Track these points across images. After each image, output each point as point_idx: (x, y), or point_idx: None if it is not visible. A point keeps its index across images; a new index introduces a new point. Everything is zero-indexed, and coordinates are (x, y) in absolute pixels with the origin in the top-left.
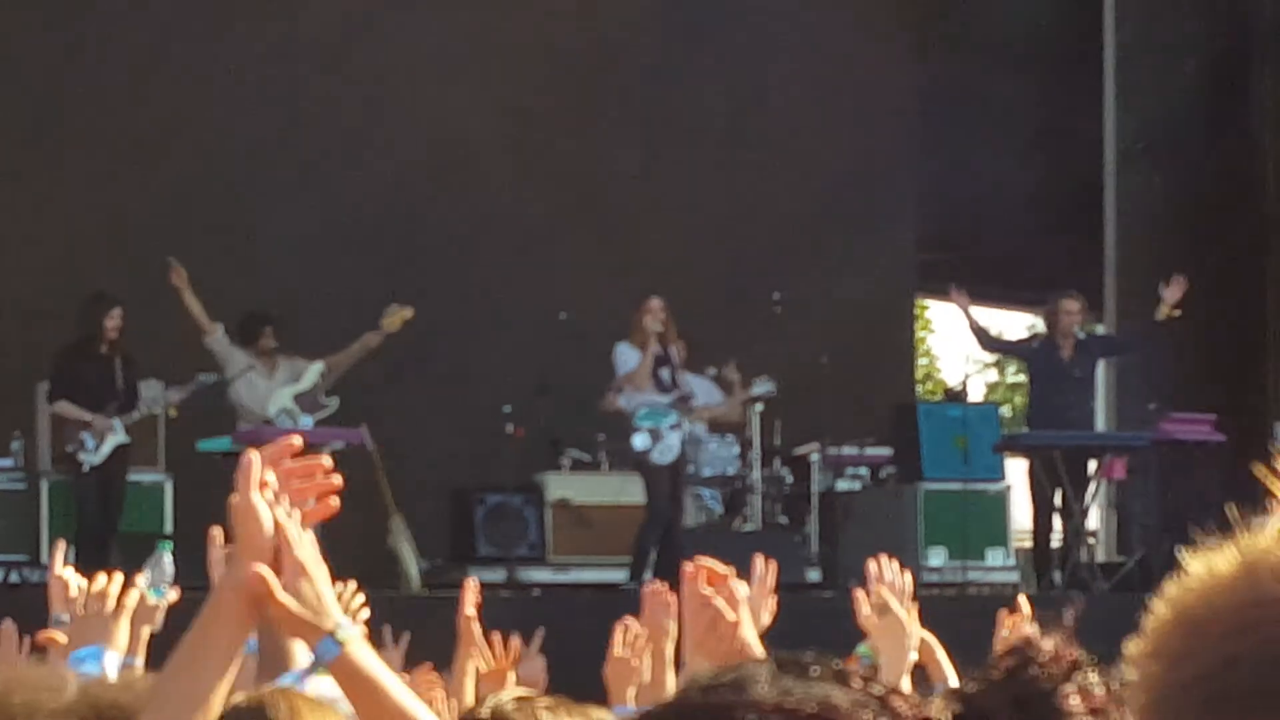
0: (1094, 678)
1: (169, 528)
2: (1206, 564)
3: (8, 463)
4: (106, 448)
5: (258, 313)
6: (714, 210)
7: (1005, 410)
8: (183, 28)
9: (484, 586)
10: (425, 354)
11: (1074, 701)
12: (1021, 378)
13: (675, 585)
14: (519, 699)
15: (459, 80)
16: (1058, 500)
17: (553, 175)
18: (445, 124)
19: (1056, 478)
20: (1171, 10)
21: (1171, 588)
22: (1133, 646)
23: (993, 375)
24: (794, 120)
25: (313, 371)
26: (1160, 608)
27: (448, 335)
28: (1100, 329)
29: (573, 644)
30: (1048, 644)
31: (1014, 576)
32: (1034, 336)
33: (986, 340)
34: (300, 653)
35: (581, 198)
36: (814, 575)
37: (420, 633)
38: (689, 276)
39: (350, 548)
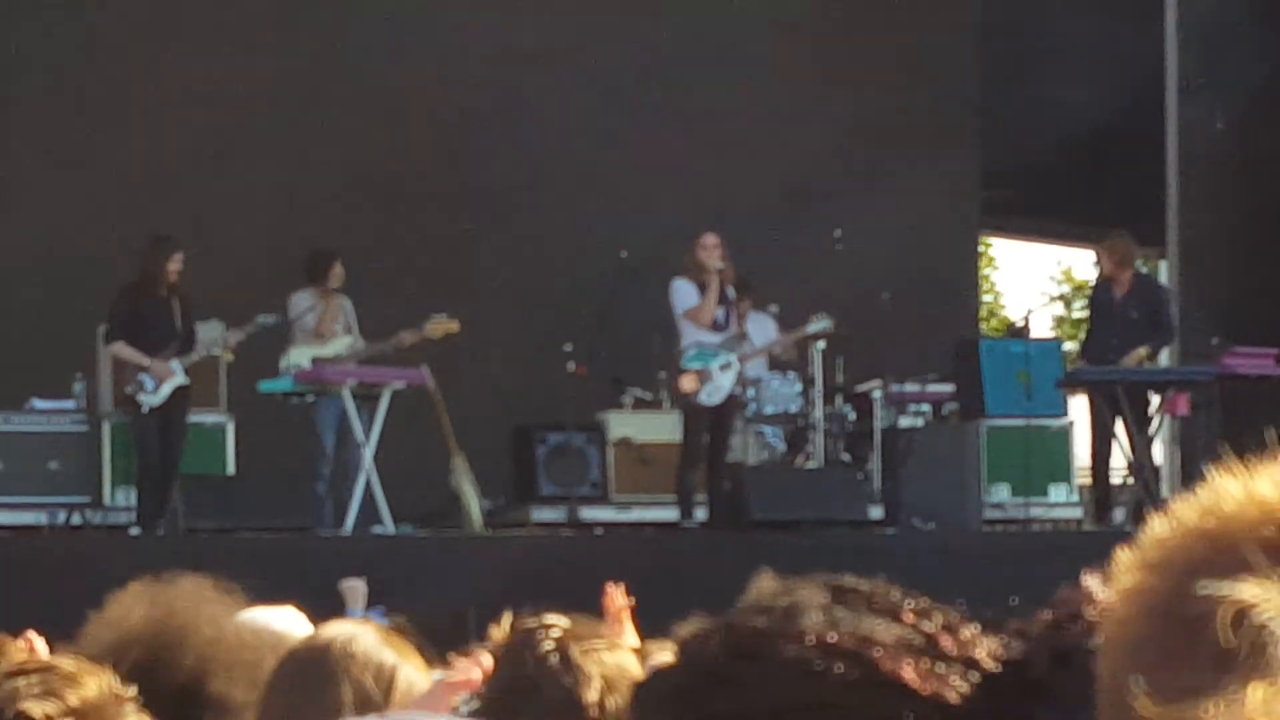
0: None
1: (230, 468)
2: (1242, 482)
3: (69, 404)
4: (166, 389)
5: (325, 249)
6: (774, 147)
7: (1070, 346)
8: None
9: (545, 525)
10: (485, 293)
11: None
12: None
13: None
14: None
15: (513, 12)
16: (1121, 436)
17: (610, 112)
18: (500, 61)
19: (1119, 413)
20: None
21: (1186, 502)
22: (1129, 554)
23: (1058, 310)
24: (854, 56)
25: (340, 343)
26: (1172, 519)
27: (508, 274)
28: (1164, 270)
29: (635, 581)
30: (1100, 598)
31: (1077, 513)
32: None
33: None
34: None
35: (641, 134)
36: (876, 512)
37: (482, 572)
38: (750, 214)
39: (413, 488)
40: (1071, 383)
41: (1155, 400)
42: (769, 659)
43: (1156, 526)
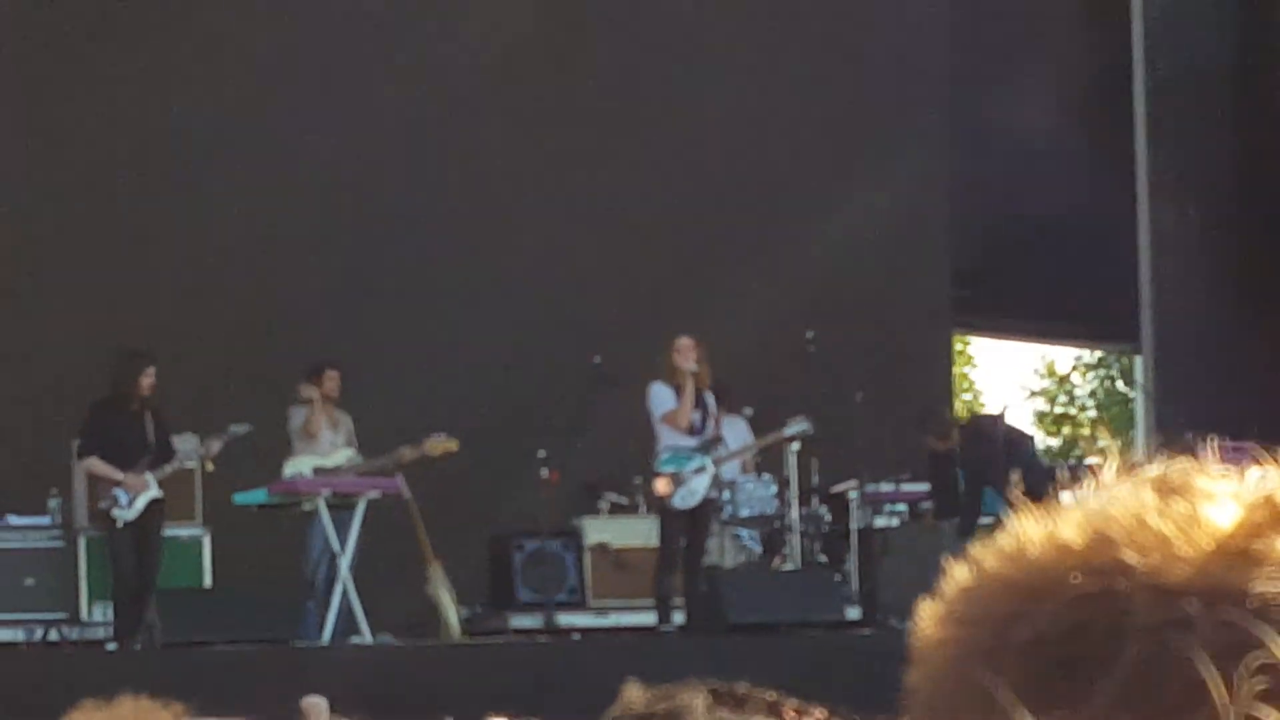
0: None
1: (208, 581)
2: (1044, 525)
3: (45, 520)
4: (141, 502)
5: (322, 358)
6: (747, 251)
7: (1054, 441)
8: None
9: (523, 632)
10: (460, 401)
11: None
12: (1070, 409)
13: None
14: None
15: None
16: None
17: (582, 217)
18: (466, 161)
19: None
20: (1201, 41)
21: (985, 551)
22: (930, 606)
23: (1040, 405)
24: (824, 157)
25: (341, 455)
26: (972, 568)
27: (482, 381)
28: (1138, 365)
29: (614, 687)
30: None
31: None
32: None
33: None
34: None
35: (612, 237)
36: (854, 613)
37: (461, 680)
38: (722, 316)
39: (390, 597)
40: (1054, 478)
41: None
42: None
43: (958, 575)
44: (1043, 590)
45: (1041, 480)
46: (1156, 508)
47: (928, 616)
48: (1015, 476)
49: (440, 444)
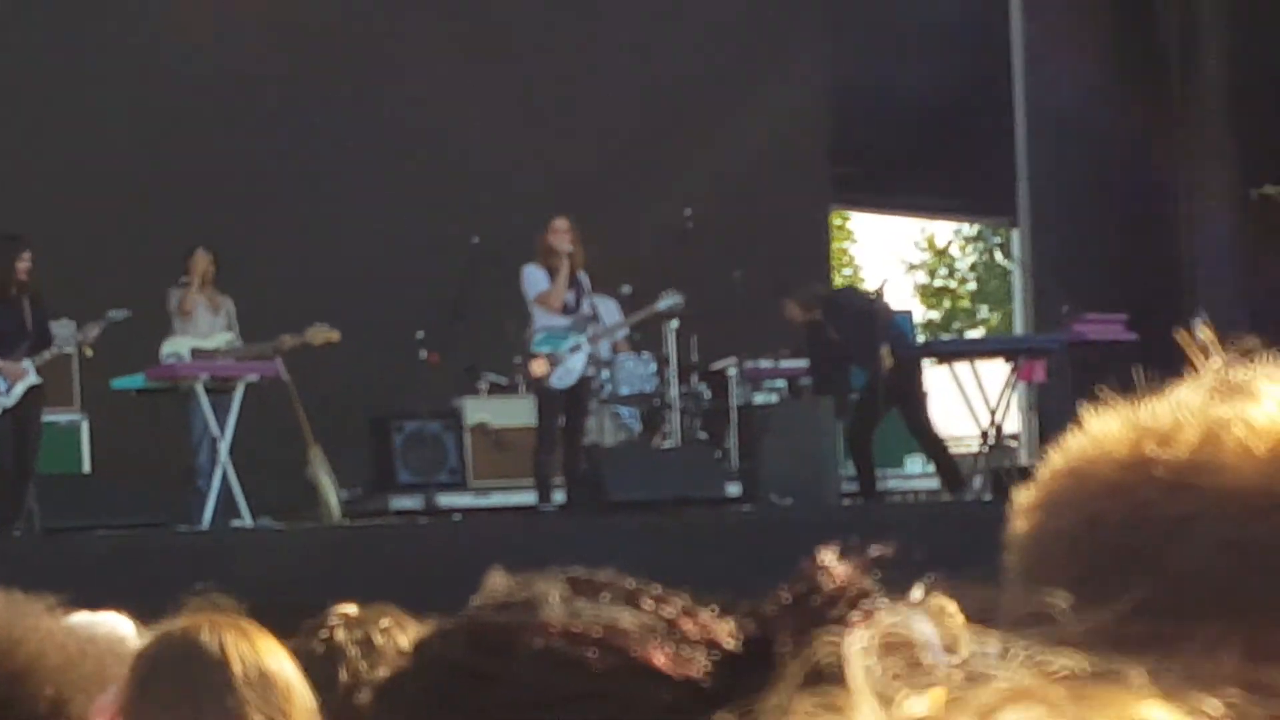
0: (881, 608)
1: (86, 467)
2: (1104, 421)
3: None
4: (19, 389)
5: (197, 240)
6: (622, 129)
7: (934, 314)
8: None
9: (404, 513)
10: (339, 283)
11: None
12: (950, 282)
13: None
14: (350, 618)
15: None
16: (977, 405)
17: (461, 97)
18: (342, 42)
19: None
20: None
21: (1069, 439)
22: (1021, 494)
23: (921, 278)
24: (700, 32)
25: (220, 339)
26: (1054, 458)
27: (360, 263)
28: (1015, 239)
29: (494, 566)
30: (837, 572)
31: (934, 484)
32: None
33: None
34: None
35: (489, 119)
36: (734, 490)
37: (341, 562)
38: (599, 196)
39: (270, 480)
40: (923, 353)
41: (1008, 368)
42: (517, 653)
43: (1051, 460)
44: (1084, 481)
45: (911, 355)
46: (1201, 411)
47: (1020, 499)
48: (884, 350)
49: (322, 333)
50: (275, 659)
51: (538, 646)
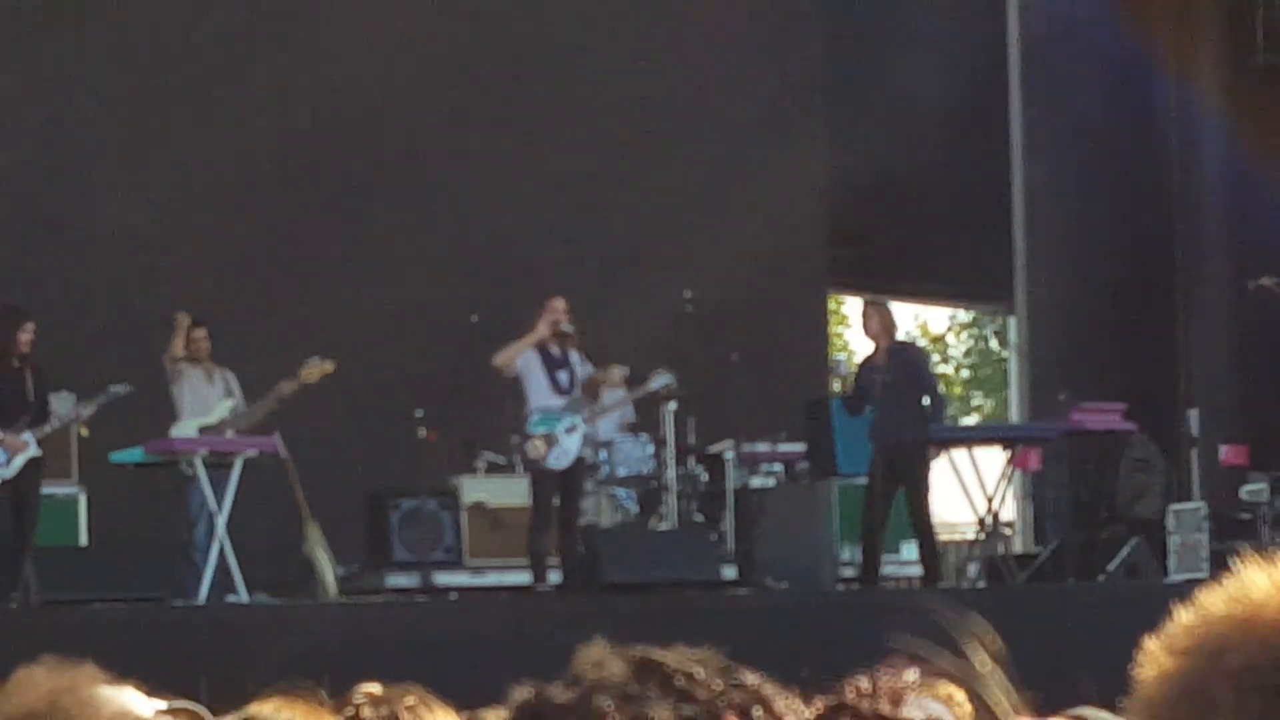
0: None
1: (84, 540)
2: (1267, 572)
3: None
4: (19, 461)
5: (194, 316)
6: (623, 210)
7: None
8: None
9: (400, 591)
10: (338, 359)
11: None
12: (945, 369)
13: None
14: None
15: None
16: (974, 494)
17: (462, 175)
18: (349, 116)
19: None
20: (1074, 1)
21: (1211, 592)
22: (1158, 641)
23: None
24: (700, 114)
25: (223, 407)
26: (1197, 608)
27: (359, 340)
28: (1012, 327)
29: (490, 645)
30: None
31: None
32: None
33: None
34: None
35: (489, 197)
36: (730, 572)
37: (337, 639)
38: (597, 277)
39: (266, 556)
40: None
41: (1004, 456)
42: None
43: (1183, 615)
44: (1259, 625)
45: (925, 439)
46: None
47: (1150, 651)
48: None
49: (316, 368)
50: None
51: None
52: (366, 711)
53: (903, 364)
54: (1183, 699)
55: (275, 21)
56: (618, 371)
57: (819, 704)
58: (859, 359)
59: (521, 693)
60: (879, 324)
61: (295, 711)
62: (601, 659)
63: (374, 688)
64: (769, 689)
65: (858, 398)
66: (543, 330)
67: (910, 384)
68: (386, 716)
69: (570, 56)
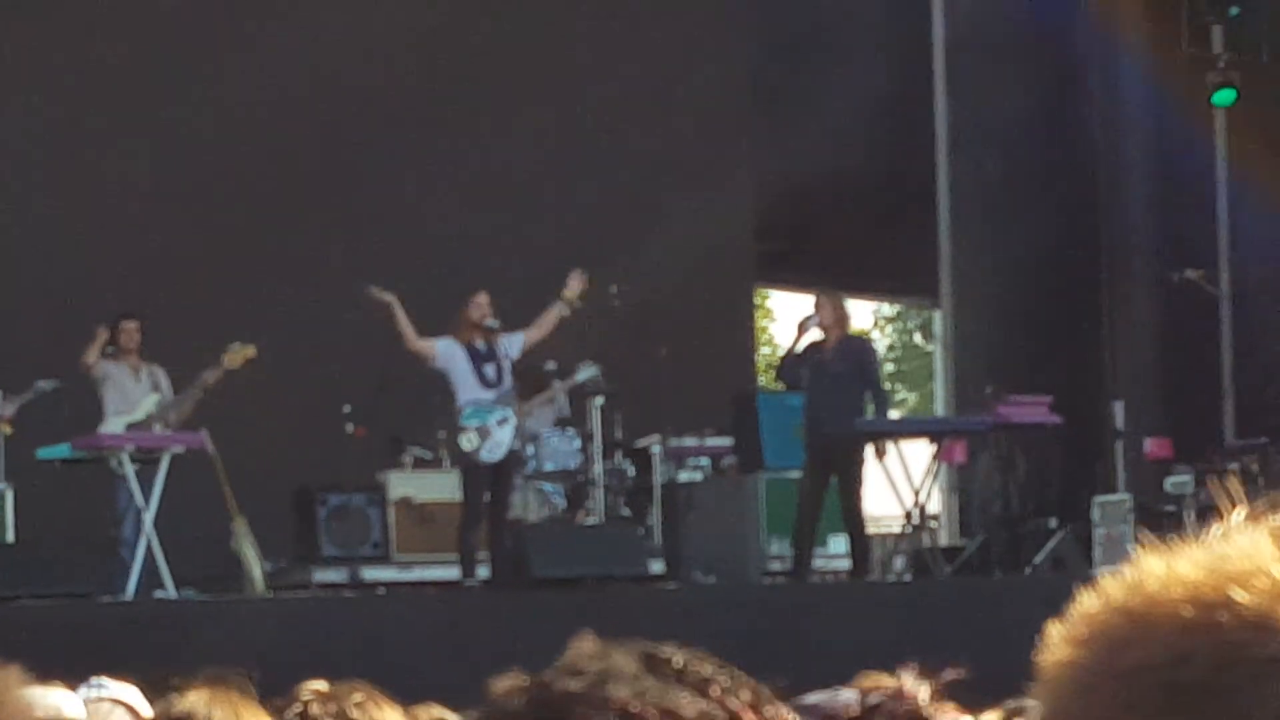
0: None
1: (10, 536)
2: (1165, 562)
3: None
4: None
5: (122, 309)
6: (549, 203)
7: (865, 398)
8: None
9: (328, 586)
10: (264, 355)
11: None
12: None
13: (515, 584)
14: (323, 694)
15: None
16: (901, 486)
17: (384, 169)
18: (273, 111)
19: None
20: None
21: (1113, 578)
22: (1058, 629)
23: None
24: (628, 111)
25: (149, 402)
26: (1099, 595)
27: (286, 336)
28: (937, 320)
29: (419, 641)
30: (910, 693)
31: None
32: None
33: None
34: None
35: (413, 190)
36: (658, 567)
37: (265, 634)
38: (525, 272)
39: (194, 552)
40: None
41: (931, 449)
42: None
43: (1086, 601)
44: (1155, 619)
45: (859, 431)
46: (1273, 556)
47: (1054, 636)
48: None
49: (239, 353)
50: None
51: None
52: (315, 708)
53: (851, 357)
54: (1080, 691)
55: (203, 18)
56: (576, 283)
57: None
58: (806, 343)
59: (513, 682)
60: (832, 314)
61: (226, 705)
62: (602, 651)
63: (321, 685)
64: (763, 689)
65: (794, 370)
66: (479, 325)
67: (855, 378)
68: (335, 713)
69: (502, 55)
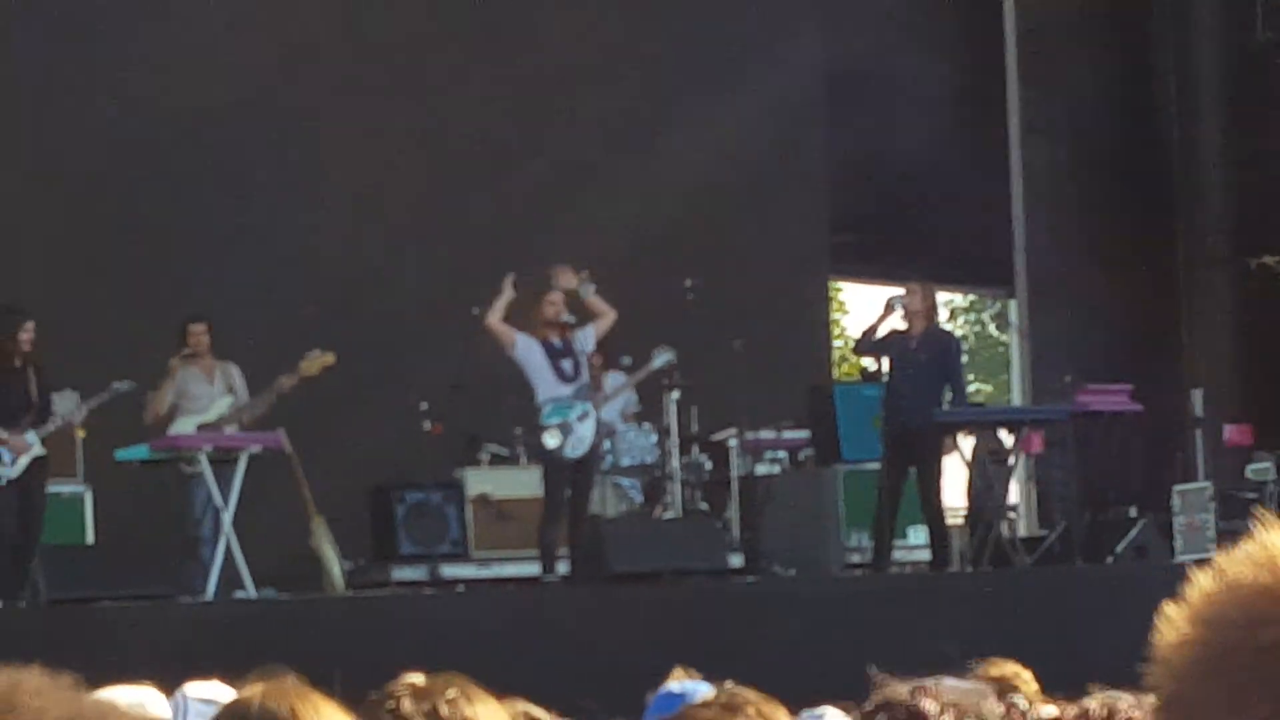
0: None
1: (90, 538)
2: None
3: None
4: (23, 461)
5: (190, 313)
6: (625, 198)
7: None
8: (119, 20)
9: (406, 584)
10: (340, 354)
11: None
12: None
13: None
14: (417, 689)
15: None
16: (977, 477)
17: (462, 170)
18: (359, 123)
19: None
20: None
21: (1232, 557)
22: (1180, 608)
23: None
24: (703, 103)
25: (222, 404)
26: (1218, 574)
27: (363, 334)
28: (1013, 309)
29: (499, 637)
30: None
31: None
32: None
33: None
34: None
35: (490, 190)
36: (736, 561)
37: (345, 633)
38: (600, 266)
39: (272, 552)
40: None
41: (1010, 439)
42: None
43: (1204, 580)
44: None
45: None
46: None
47: (1172, 618)
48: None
49: (316, 360)
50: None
51: None
52: (407, 704)
53: (935, 348)
54: (1212, 672)
55: None
56: (575, 279)
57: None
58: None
59: None
60: (922, 302)
61: (303, 700)
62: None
63: (416, 678)
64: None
65: (873, 349)
66: (508, 292)
67: (937, 370)
68: (428, 712)
69: (582, 45)
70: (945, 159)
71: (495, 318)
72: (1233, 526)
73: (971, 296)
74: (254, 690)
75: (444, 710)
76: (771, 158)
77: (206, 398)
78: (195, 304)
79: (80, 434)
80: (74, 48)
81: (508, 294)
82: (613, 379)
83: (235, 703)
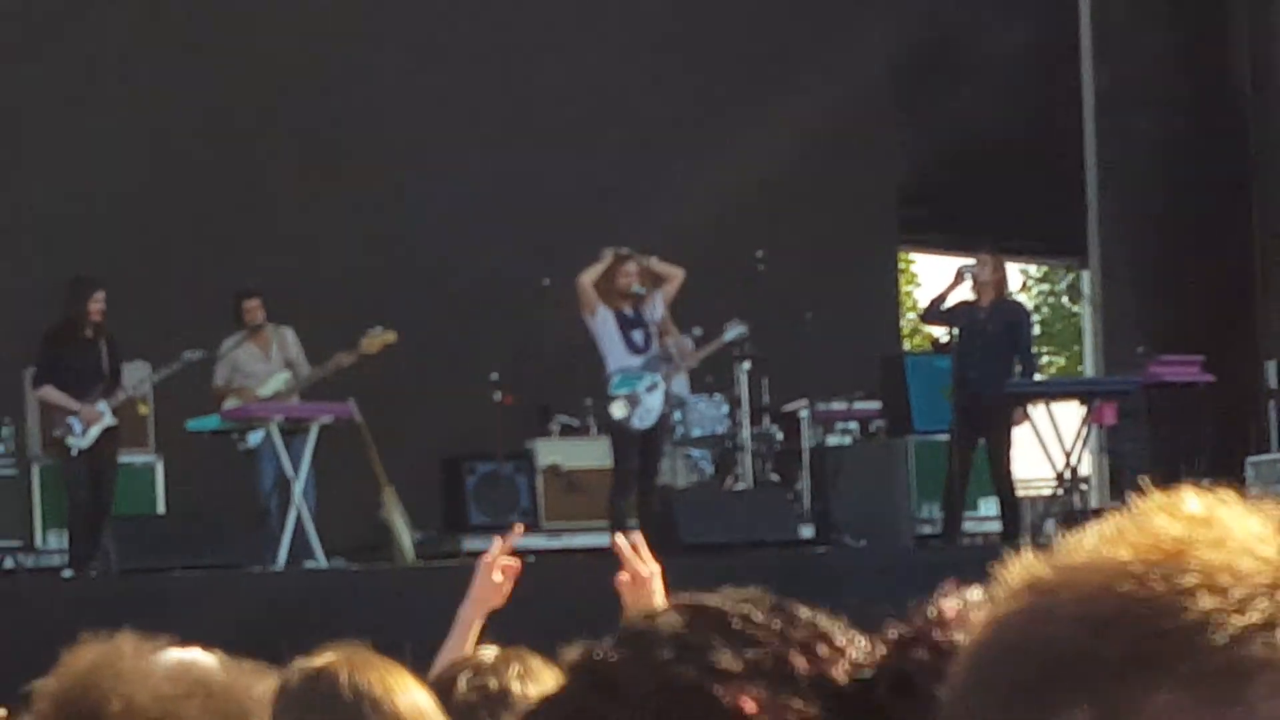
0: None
1: (161, 507)
2: (1089, 540)
3: None
4: (95, 431)
5: (242, 288)
6: (696, 170)
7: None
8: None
9: (477, 555)
10: (411, 324)
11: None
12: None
13: (664, 550)
14: (481, 666)
15: (445, 58)
16: (1052, 448)
17: (536, 139)
18: (428, 94)
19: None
20: None
21: (1034, 559)
22: (978, 615)
23: None
24: (774, 77)
25: (278, 380)
26: (1021, 574)
27: (435, 306)
28: (1086, 280)
29: (570, 608)
30: (946, 617)
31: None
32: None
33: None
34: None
35: (563, 162)
36: (807, 531)
37: (415, 603)
38: (671, 238)
39: (343, 521)
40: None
41: (1082, 410)
42: (620, 696)
43: (1006, 577)
44: (1080, 589)
45: (1009, 393)
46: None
47: (975, 622)
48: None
49: (378, 338)
50: (416, 697)
51: (636, 692)
52: (462, 684)
53: (1005, 319)
54: (988, 666)
55: None
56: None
57: (889, 635)
58: (957, 299)
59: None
60: (992, 273)
61: (372, 669)
62: (652, 612)
63: (489, 649)
64: (825, 622)
65: (940, 318)
66: (608, 259)
67: (1007, 341)
68: (497, 685)
69: (657, 25)
70: (1017, 129)
71: (589, 279)
72: None
73: (1044, 268)
74: (334, 659)
75: (514, 684)
76: (843, 129)
77: (264, 373)
78: (263, 276)
79: (144, 410)
80: (156, 16)
81: (606, 262)
82: (679, 343)
83: (321, 672)
